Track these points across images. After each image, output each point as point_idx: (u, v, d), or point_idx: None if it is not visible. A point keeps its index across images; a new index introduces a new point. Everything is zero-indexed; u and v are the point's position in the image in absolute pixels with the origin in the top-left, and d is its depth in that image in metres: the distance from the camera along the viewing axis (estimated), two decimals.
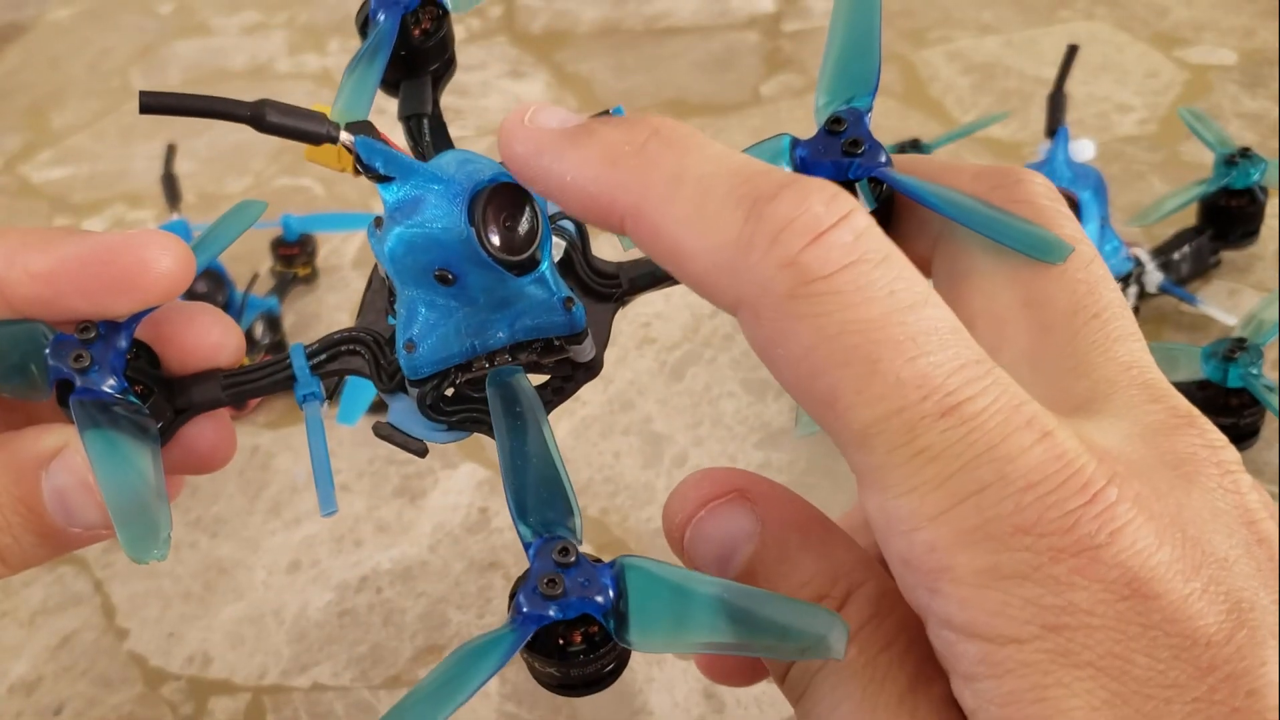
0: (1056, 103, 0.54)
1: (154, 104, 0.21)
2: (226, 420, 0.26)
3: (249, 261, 0.64)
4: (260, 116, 0.22)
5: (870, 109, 0.22)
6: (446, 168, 0.22)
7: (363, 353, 0.24)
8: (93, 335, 0.23)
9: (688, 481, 0.22)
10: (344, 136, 0.22)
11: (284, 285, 0.63)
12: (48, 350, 0.23)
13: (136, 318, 0.24)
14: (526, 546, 0.20)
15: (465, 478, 0.51)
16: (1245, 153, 0.54)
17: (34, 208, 0.76)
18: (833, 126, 0.22)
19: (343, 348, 0.25)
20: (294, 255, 0.63)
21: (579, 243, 0.24)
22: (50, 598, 0.48)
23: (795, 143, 0.22)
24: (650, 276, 0.24)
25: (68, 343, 0.23)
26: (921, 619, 0.19)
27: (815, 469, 0.50)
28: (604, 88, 0.81)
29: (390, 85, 0.26)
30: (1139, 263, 0.54)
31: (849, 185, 0.22)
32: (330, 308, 0.63)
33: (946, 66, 0.78)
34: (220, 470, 0.51)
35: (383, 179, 0.22)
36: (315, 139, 0.22)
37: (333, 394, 0.26)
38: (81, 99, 0.87)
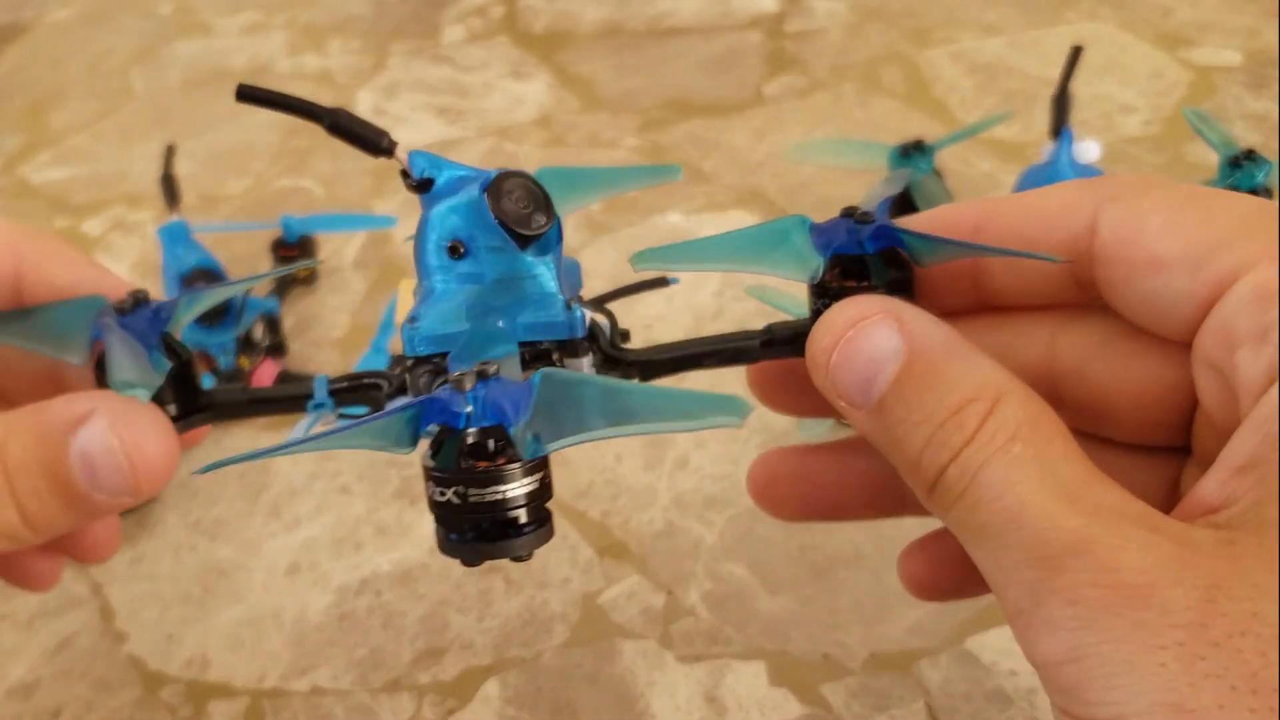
0: (1061, 104, 0.54)
1: (250, 94, 0.24)
2: (116, 521, 0.30)
3: (249, 263, 0.64)
4: (334, 120, 0.25)
5: (890, 200, 0.25)
6: (485, 172, 0.25)
7: (384, 387, 0.26)
8: (132, 304, 0.26)
9: (833, 309, 0.23)
10: (399, 152, 0.25)
11: (284, 286, 0.62)
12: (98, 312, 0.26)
13: (168, 310, 0.26)
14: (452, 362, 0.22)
15: None
16: (1250, 154, 0.54)
17: (33, 208, 0.76)
18: (848, 210, 0.25)
19: (364, 380, 0.27)
20: (294, 256, 0.63)
21: (607, 332, 0.26)
22: (48, 601, 0.48)
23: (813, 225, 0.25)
24: (667, 364, 0.26)
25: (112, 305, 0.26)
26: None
27: None
28: (606, 88, 0.80)
29: None
30: None
31: (862, 261, 0.24)
32: (330, 309, 0.63)
33: (950, 67, 0.78)
34: (220, 473, 0.52)
35: (424, 186, 0.24)
36: (375, 148, 0.25)
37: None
38: (81, 99, 0.87)
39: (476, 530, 0.22)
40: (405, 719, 0.42)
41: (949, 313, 0.26)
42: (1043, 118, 0.55)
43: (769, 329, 0.26)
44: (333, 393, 0.27)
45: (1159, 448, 0.25)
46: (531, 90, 0.81)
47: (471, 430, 0.21)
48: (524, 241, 0.24)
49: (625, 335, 0.27)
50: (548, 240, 0.24)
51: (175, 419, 0.26)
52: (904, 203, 0.59)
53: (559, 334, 0.24)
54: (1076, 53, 0.55)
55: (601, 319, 0.27)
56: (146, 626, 0.47)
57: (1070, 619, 0.18)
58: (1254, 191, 0.54)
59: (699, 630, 0.44)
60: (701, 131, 0.74)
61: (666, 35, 0.86)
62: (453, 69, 0.84)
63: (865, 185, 0.65)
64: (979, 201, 0.25)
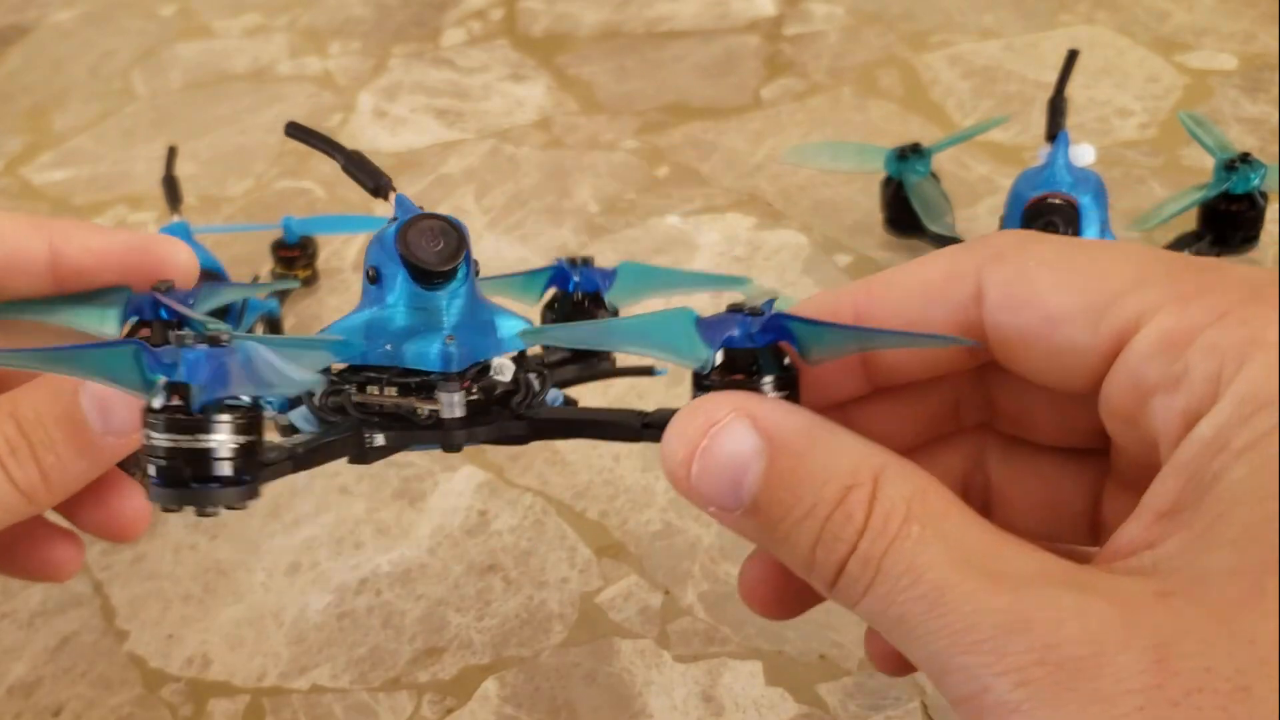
0: (1057, 107, 0.54)
1: (296, 134, 0.28)
2: (146, 502, 0.31)
3: (249, 264, 0.64)
4: (348, 160, 0.27)
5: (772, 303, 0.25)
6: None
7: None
8: (167, 287, 0.29)
9: (681, 415, 0.22)
10: (392, 195, 0.27)
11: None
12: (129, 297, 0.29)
13: (193, 298, 0.30)
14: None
15: (464, 480, 0.51)
16: (1245, 158, 0.54)
17: (36, 209, 0.76)
18: (734, 306, 0.25)
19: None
20: (294, 258, 0.63)
21: (534, 391, 0.28)
22: (49, 599, 0.48)
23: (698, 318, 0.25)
24: (557, 426, 0.28)
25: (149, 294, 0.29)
26: None
27: None
28: (605, 91, 0.81)
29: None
30: None
31: (752, 355, 0.24)
32: (331, 310, 0.63)
33: (947, 70, 0.78)
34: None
35: (394, 221, 0.27)
36: (375, 191, 0.27)
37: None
38: (83, 101, 0.87)
39: (168, 473, 0.23)
40: (404, 718, 0.43)
41: (844, 401, 0.25)
42: (1039, 121, 0.55)
43: (652, 414, 0.26)
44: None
45: (1085, 449, 0.25)
46: (531, 93, 0.81)
47: (169, 381, 0.23)
48: (424, 277, 0.26)
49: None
50: (455, 275, 0.26)
51: None
52: (902, 205, 0.60)
53: (432, 365, 0.26)
54: (1073, 56, 0.55)
55: (533, 379, 0.28)
56: (147, 625, 0.47)
57: (1024, 700, 0.18)
58: (1250, 195, 0.54)
59: (696, 630, 0.44)
60: (700, 134, 0.75)
61: (665, 38, 0.86)
62: (453, 71, 0.85)
63: (862, 188, 0.65)
64: (859, 283, 0.24)
